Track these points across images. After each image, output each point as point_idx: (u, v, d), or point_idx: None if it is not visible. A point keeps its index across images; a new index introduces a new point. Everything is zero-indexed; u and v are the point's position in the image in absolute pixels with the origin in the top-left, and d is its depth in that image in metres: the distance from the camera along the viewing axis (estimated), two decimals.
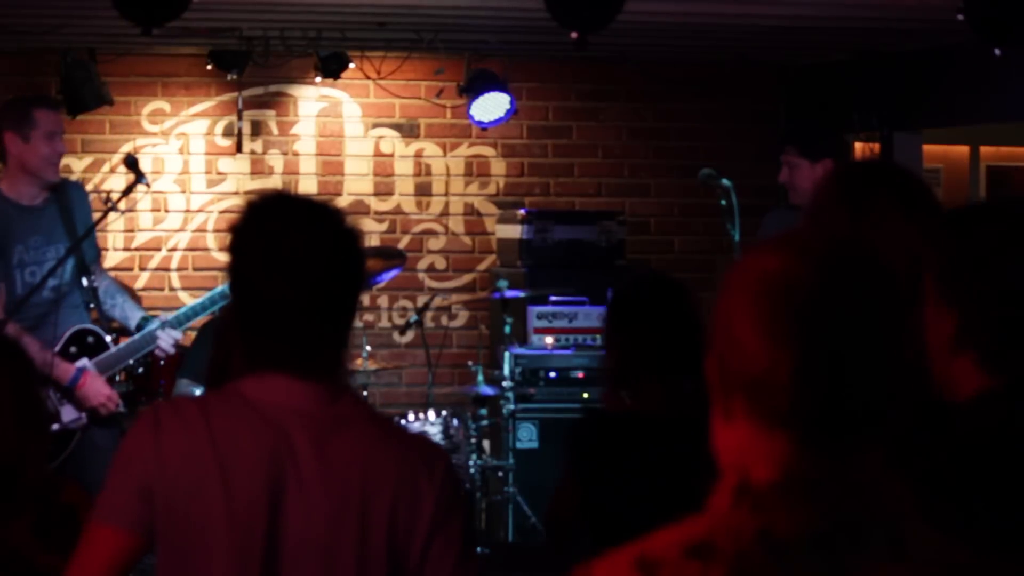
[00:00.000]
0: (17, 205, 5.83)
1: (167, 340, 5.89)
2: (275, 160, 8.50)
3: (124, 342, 5.97)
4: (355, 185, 8.58)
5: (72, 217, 5.93)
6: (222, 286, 6.18)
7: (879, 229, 2.76)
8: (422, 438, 2.68)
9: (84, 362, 5.85)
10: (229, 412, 2.49)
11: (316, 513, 2.44)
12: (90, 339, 5.92)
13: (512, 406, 7.27)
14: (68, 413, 5.80)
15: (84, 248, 5.96)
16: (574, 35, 5.72)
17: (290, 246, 2.46)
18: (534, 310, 7.73)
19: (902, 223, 2.78)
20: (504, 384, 7.24)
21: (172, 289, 8.35)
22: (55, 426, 5.75)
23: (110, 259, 8.20)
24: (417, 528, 2.45)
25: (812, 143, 5.99)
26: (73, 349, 5.87)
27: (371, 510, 2.44)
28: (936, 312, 2.23)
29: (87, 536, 2.50)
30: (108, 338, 5.95)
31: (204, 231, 8.41)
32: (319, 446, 2.46)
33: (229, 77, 8.04)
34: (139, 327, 5.96)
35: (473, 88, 7.89)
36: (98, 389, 5.82)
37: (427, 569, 2.46)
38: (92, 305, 5.97)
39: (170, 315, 6.00)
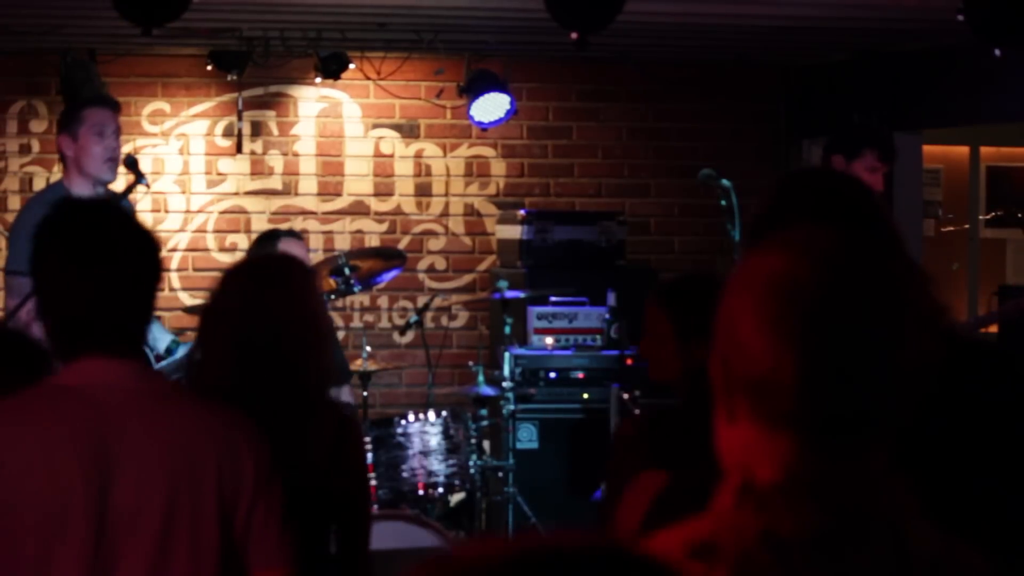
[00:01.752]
0: None
1: None
2: (275, 161, 8.50)
3: (164, 362, 5.98)
4: (355, 186, 8.58)
5: None
6: None
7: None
8: (236, 411, 2.81)
9: None
10: (48, 402, 2.64)
11: (148, 484, 2.57)
12: None
13: (512, 406, 7.27)
14: None
15: None
16: (574, 35, 5.71)
17: (83, 240, 2.68)
18: (534, 310, 7.73)
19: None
20: (504, 384, 7.24)
21: (172, 289, 8.34)
22: None
23: None
24: (242, 493, 2.62)
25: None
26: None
27: (199, 477, 2.60)
28: None
29: None
30: (150, 353, 5.97)
31: (204, 232, 8.40)
32: (144, 419, 2.61)
33: (229, 78, 8.04)
34: (168, 350, 5.99)
35: (473, 88, 7.88)
36: None
37: (253, 534, 2.63)
38: None
39: None
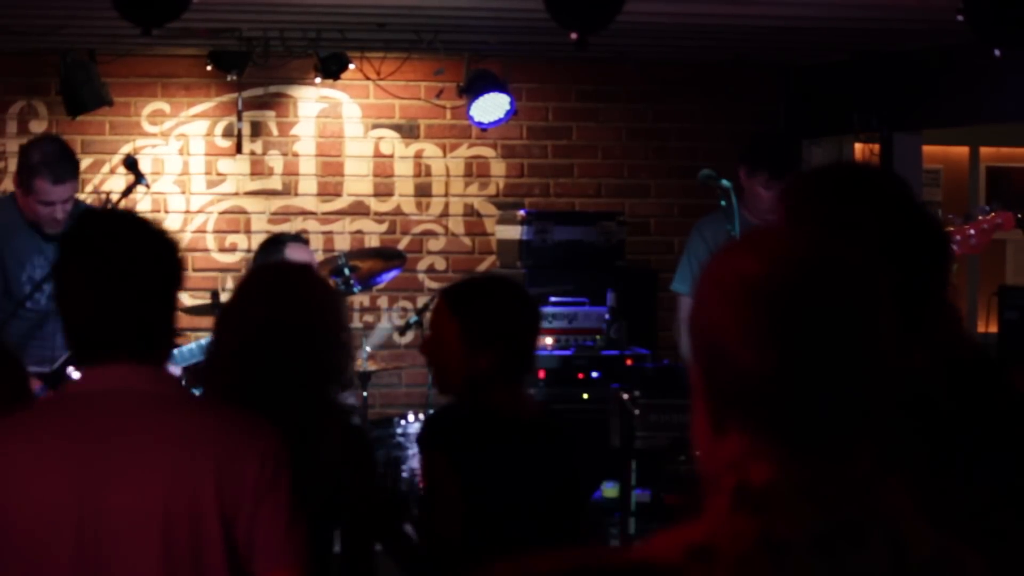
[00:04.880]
0: (34, 226, 5.87)
1: None
2: (275, 161, 8.50)
3: None
4: (355, 186, 8.58)
5: None
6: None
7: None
8: (246, 413, 2.84)
9: None
10: (49, 415, 2.71)
11: (144, 491, 2.59)
12: None
13: None
14: None
15: None
16: (574, 36, 5.71)
17: (93, 248, 2.73)
18: None
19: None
20: None
21: None
22: None
23: None
24: (244, 496, 2.61)
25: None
26: (71, 368, 5.85)
27: (197, 483, 2.59)
28: None
29: None
30: None
31: (204, 232, 8.40)
32: (145, 425, 2.63)
33: (229, 78, 8.04)
34: None
35: (473, 89, 7.88)
36: None
37: (258, 536, 2.61)
38: None
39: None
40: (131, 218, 2.87)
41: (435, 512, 3.65)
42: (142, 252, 2.74)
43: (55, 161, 5.85)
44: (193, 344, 5.97)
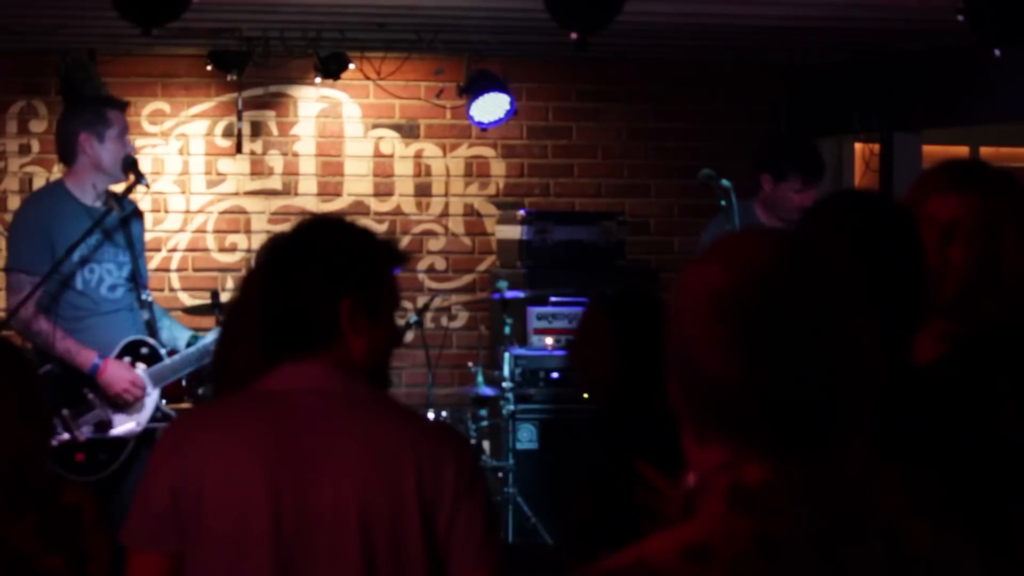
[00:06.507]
0: (82, 204, 5.96)
1: None
2: (275, 161, 8.50)
3: (177, 355, 6.00)
4: (355, 186, 8.58)
5: (130, 228, 6.09)
6: None
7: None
8: (434, 420, 2.83)
9: (140, 368, 5.88)
10: (247, 409, 2.69)
11: (343, 489, 2.58)
12: (144, 350, 5.94)
13: (512, 407, 7.27)
14: (120, 421, 5.79)
15: (139, 265, 6.06)
16: (574, 35, 5.71)
17: (289, 248, 2.78)
18: (534, 311, 7.73)
19: None
20: (504, 385, 7.24)
21: (172, 290, 8.34)
22: (108, 434, 5.77)
23: None
24: (443, 496, 2.60)
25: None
26: (127, 359, 5.88)
27: (398, 483, 2.58)
28: None
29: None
30: (163, 350, 5.95)
31: (204, 232, 8.40)
32: (343, 424, 2.63)
33: (229, 78, 8.04)
34: (188, 345, 5.99)
35: (473, 89, 7.88)
36: (120, 375, 5.81)
37: (454, 538, 2.60)
38: (148, 319, 6.02)
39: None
40: (349, 227, 2.85)
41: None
42: (335, 251, 2.73)
43: (112, 96, 6.35)
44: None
